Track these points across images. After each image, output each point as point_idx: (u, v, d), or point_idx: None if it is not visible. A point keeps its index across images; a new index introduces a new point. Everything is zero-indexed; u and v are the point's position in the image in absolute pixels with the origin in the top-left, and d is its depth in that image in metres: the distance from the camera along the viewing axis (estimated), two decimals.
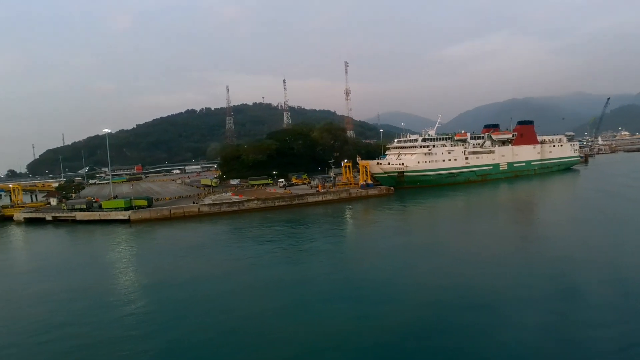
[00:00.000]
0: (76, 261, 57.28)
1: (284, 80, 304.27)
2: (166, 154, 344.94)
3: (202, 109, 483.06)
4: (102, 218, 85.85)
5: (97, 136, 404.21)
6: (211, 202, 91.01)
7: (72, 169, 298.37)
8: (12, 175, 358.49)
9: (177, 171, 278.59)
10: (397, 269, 43.68)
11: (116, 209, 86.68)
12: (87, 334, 31.21)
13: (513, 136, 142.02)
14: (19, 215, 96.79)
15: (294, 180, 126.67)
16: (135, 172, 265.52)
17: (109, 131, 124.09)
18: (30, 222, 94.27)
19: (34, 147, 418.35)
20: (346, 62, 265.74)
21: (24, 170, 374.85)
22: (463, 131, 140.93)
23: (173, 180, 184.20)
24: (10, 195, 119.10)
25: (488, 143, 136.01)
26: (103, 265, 52.77)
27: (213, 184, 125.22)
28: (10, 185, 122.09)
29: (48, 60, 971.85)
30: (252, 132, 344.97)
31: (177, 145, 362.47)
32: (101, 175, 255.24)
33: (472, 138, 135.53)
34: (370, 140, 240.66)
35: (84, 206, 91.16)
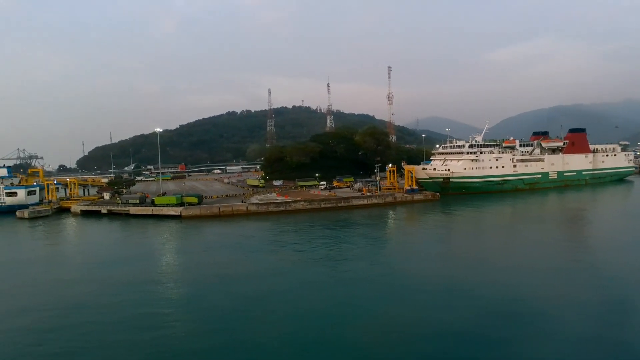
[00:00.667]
0: (135, 252, 59.58)
1: (327, 84, 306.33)
2: (207, 153, 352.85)
3: (243, 111, 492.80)
4: (155, 213, 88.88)
5: (142, 135, 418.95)
6: (258, 201, 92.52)
7: (119, 165, 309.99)
8: (63, 170, 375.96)
9: (218, 171, 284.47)
10: (445, 276, 42.92)
11: (168, 205, 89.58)
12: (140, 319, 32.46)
13: (564, 144, 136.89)
14: (76, 208, 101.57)
15: (335, 183, 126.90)
16: (178, 170, 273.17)
17: (160, 130, 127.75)
18: (86, 214, 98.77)
19: (83, 144, 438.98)
20: (389, 67, 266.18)
21: (74, 165, 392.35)
22: (512, 138, 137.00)
23: (216, 180, 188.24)
24: (66, 189, 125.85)
25: (537, 151, 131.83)
26: (162, 257, 54.74)
27: (260, 185, 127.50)
28: (68, 179, 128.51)
29: (97, 63, 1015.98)
30: (291, 135, 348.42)
31: (217, 146, 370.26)
32: (147, 172, 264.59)
33: (521, 145, 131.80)
34: (411, 146, 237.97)
35: (137, 201, 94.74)
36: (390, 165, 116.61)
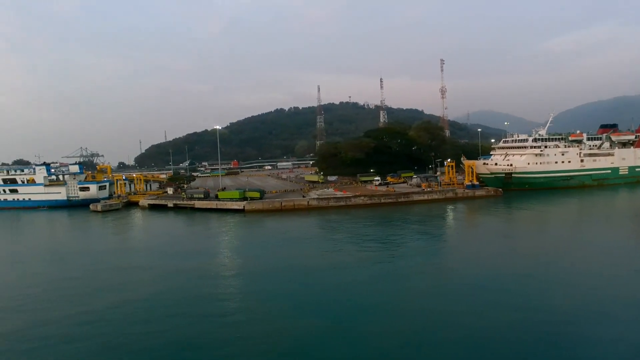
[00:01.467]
0: (210, 244, 61.90)
1: (380, 79, 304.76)
2: (257, 150, 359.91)
3: (290, 108, 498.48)
4: (219, 207, 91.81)
5: (194, 133, 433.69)
6: (317, 196, 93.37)
7: (174, 162, 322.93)
8: (122, 167, 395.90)
9: (269, 167, 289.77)
10: (510, 275, 41.25)
11: (231, 199, 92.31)
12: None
13: (636, 137, 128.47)
14: (144, 202, 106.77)
15: (389, 179, 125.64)
16: (232, 167, 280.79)
17: (219, 127, 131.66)
18: (153, 207, 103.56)
19: (140, 142, 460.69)
20: (442, 60, 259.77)
21: (132, 162, 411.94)
22: (578, 131, 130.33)
23: (269, 175, 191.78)
24: (132, 184, 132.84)
25: (606, 145, 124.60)
26: (238, 249, 56.54)
27: (320, 180, 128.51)
28: (134, 175, 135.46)
29: (149, 66, 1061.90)
30: (339, 131, 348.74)
31: (267, 143, 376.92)
32: (201, 168, 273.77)
33: (588, 139, 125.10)
34: (464, 140, 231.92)
35: (202, 195, 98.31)
36: (449, 160, 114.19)
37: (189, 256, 53.50)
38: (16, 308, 36.53)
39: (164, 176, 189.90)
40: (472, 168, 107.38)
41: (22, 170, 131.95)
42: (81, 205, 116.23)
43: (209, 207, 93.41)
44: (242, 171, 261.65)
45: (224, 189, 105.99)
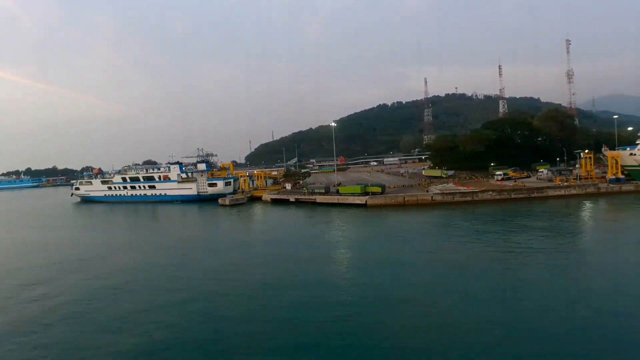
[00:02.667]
0: (345, 236, 62.40)
1: (499, 66, 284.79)
2: (361, 146, 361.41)
3: (393, 103, 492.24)
4: (340, 202, 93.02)
5: (300, 131, 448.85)
6: (439, 191, 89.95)
7: (282, 160, 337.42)
8: (235, 165, 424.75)
9: (375, 163, 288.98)
10: None
11: (353, 194, 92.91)
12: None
13: None
14: (267, 196, 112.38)
15: (510, 173, 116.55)
16: (339, 163, 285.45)
17: (334, 124, 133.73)
18: (275, 202, 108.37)
19: (250, 142, 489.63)
20: (568, 40, 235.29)
21: (242, 161, 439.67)
22: None
23: (378, 171, 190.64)
24: (253, 180, 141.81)
25: None
26: (373, 241, 56.16)
27: (443, 175, 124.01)
28: (255, 172, 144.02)
29: (257, 69, 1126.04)
30: (447, 124, 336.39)
31: (371, 138, 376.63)
32: (310, 165, 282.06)
33: None
34: (594, 129, 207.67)
35: (322, 190, 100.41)
36: (586, 151, 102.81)
37: (330, 246, 54.36)
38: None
39: (275, 173, 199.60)
40: (616, 160, 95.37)
41: (159, 169, 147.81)
42: (209, 200, 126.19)
43: (330, 201, 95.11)
44: (349, 167, 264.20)
45: (339, 184, 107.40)
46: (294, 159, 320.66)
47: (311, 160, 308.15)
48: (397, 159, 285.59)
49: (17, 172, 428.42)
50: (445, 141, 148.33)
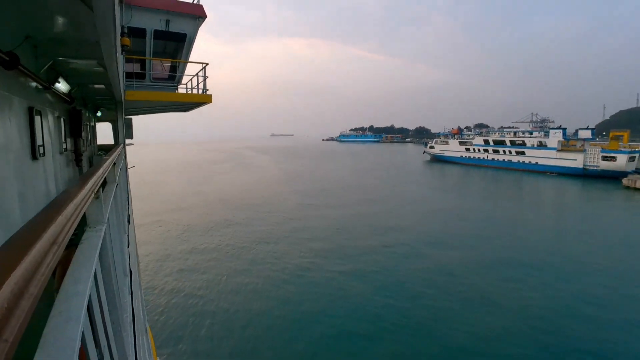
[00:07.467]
0: None
1: None
2: None
3: None
4: None
5: None
6: None
7: None
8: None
9: None
10: None
11: None
12: None
13: None
14: None
15: None
16: None
17: None
18: None
19: (604, 107, 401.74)
20: None
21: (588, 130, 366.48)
22: None
23: None
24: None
25: None
26: None
27: None
28: None
29: (606, 21, 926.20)
30: None
31: None
32: None
33: None
34: None
35: None
36: None
37: None
38: None
39: None
40: None
41: (531, 133, 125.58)
42: (599, 177, 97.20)
43: None
44: None
45: None
46: None
47: None
48: None
49: (362, 129, 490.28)
50: None
